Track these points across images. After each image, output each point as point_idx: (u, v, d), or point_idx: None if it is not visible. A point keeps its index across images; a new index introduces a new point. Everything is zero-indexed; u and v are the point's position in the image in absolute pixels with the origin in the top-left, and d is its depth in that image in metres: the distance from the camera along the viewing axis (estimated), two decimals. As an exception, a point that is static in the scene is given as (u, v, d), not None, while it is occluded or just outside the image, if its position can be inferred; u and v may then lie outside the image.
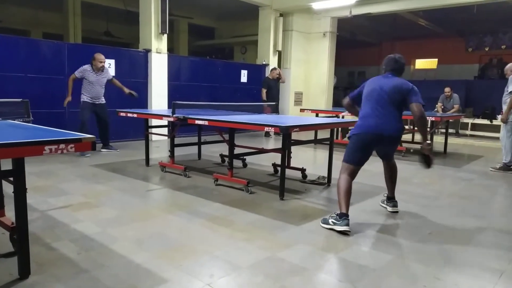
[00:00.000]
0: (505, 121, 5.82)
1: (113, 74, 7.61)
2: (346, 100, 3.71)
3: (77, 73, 6.20)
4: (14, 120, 3.76)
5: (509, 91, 5.74)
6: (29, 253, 2.26)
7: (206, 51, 16.52)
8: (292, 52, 11.41)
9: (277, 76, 9.49)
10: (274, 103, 7.57)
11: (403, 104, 3.37)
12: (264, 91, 9.25)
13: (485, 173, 5.74)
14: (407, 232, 3.22)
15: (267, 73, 10.75)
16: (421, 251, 2.83)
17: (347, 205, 3.19)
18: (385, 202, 3.86)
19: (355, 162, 3.34)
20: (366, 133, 3.32)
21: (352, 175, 3.33)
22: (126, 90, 6.57)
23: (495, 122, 9.91)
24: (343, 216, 3.13)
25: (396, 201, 3.79)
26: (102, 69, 6.32)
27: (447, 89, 9.72)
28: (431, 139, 7.03)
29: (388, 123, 3.32)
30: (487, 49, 14.57)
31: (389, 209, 3.76)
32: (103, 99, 6.48)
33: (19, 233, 2.20)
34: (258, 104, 7.29)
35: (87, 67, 6.25)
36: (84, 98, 6.28)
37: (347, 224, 3.10)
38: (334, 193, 4.44)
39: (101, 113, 6.45)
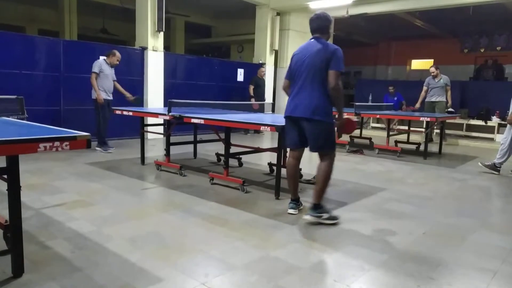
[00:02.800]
0: (511, 122, 5.59)
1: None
2: (285, 83, 3.49)
3: (96, 69, 6.24)
4: (9, 117, 3.73)
5: None
6: (23, 251, 2.25)
7: (203, 50, 16.51)
8: (289, 51, 11.38)
9: (264, 75, 9.84)
10: (263, 101, 7.68)
11: (327, 73, 3.13)
12: (251, 87, 9.61)
13: (479, 174, 5.78)
14: (401, 232, 3.24)
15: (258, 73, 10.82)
16: (415, 251, 2.85)
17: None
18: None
19: (288, 145, 3.52)
20: (285, 116, 3.36)
21: (294, 158, 3.47)
22: (129, 96, 6.60)
23: (489, 123, 9.97)
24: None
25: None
26: (116, 66, 6.47)
27: (432, 69, 8.55)
28: (427, 139, 7.10)
29: (303, 102, 3.22)
30: (482, 50, 14.64)
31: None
32: (111, 95, 6.53)
33: (13, 231, 2.19)
34: (254, 103, 7.31)
35: (102, 60, 6.35)
36: (101, 98, 6.26)
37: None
38: (329, 193, 4.45)
39: (108, 110, 6.46)
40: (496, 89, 10.57)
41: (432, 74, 8.49)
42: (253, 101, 9.09)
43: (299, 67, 3.27)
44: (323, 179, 3.29)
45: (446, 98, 8.50)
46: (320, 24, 3.28)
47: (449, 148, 8.38)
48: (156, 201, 4.08)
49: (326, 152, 3.30)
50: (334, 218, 3.31)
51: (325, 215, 3.27)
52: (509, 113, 5.62)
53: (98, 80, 6.26)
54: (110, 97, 6.47)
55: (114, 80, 6.57)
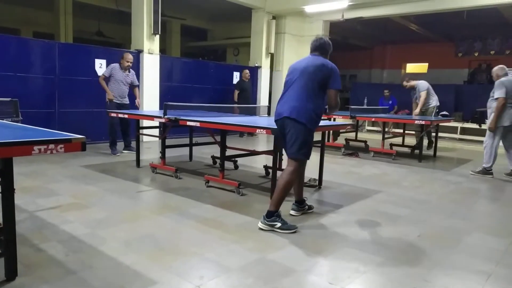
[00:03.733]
0: (493, 129, 5.62)
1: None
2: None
3: (105, 72, 6.29)
4: (3, 120, 3.72)
5: (495, 96, 5.58)
6: (16, 255, 2.23)
7: (199, 53, 16.51)
8: (285, 55, 11.44)
9: (248, 77, 9.77)
10: (250, 104, 7.71)
11: (320, 85, 3.15)
12: (236, 92, 9.50)
13: (474, 177, 5.81)
14: (396, 234, 3.25)
15: (259, 75, 10.81)
16: (411, 254, 2.86)
17: None
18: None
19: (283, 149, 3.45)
20: (274, 121, 3.36)
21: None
22: (137, 101, 6.63)
23: (483, 126, 10.03)
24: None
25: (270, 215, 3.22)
26: (128, 68, 6.41)
27: (404, 83, 7.89)
28: (421, 141, 7.12)
29: (287, 104, 3.19)
30: (476, 54, 14.77)
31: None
32: (127, 99, 6.48)
33: (6, 234, 2.17)
34: (252, 106, 7.32)
35: (115, 65, 6.35)
36: (110, 95, 6.25)
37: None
38: (325, 196, 4.47)
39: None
40: (490, 92, 10.64)
41: (409, 85, 7.72)
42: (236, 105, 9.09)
43: (293, 75, 3.26)
44: (281, 188, 3.17)
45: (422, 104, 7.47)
46: (321, 46, 3.34)
47: (444, 151, 8.42)
48: (151, 204, 4.07)
49: (296, 158, 3.19)
50: (290, 227, 3.14)
51: (278, 224, 3.13)
52: (489, 119, 5.68)
53: (109, 84, 6.26)
54: (121, 101, 6.36)
55: (135, 86, 6.57)
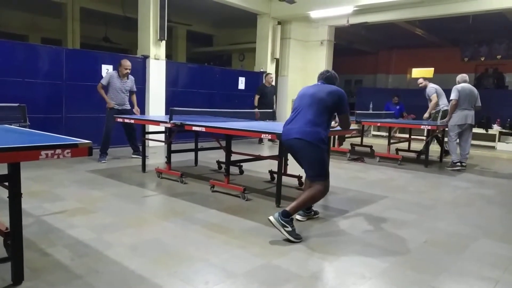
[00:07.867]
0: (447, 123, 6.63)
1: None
2: None
3: (103, 81, 6.23)
4: (11, 125, 3.75)
5: (450, 99, 6.57)
6: (23, 259, 2.25)
7: (204, 58, 16.59)
8: (290, 60, 11.47)
9: (272, 81, 9.43)
10: (270, 110, 7.62)
11: (329, 110, 3.30)
12: (256, 97, 9.21)
13: (480, 182, 5.77)
14: (402, 240, 3.23)
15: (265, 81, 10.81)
16: (417, 260, 2.84)
17: None
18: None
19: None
20: (282, 141, 3.45)
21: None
22: (135, 109, 6.58)
23: (490, 132, 9.97)
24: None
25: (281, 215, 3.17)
26: (127, 75, 6.34)
27: (419, 80, 8.39)
28: (428, 147, 7.10)
29: (297, 126, 3.27)
30: (482, 59, 14.68)
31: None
32: (128, 105, 6.45)
33: (13, 238, 2.19)
34: (255, 111, 7.32)
35: (113, 72, 6.32)
36: (111, 104, 6.25)
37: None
38: (330, 201, 4.46)
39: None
40: (496, 97, 10.59)
41: (420, 85, 8.03)
42: (256, 111, 8.96)
43: (302, 100, 3.36)
44: (308, 198, 3.22)
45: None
46: (328, 78, 3.56)
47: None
48: (156, 209, 4.08)
49: (321, 179, 3.23)
50: (297, 237, 3.09)
51: (289, 228, 3.08)
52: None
53: (108, 92, 6.22)
54: (122, 107, 6.30)
55: (133, 92, 6.52)
